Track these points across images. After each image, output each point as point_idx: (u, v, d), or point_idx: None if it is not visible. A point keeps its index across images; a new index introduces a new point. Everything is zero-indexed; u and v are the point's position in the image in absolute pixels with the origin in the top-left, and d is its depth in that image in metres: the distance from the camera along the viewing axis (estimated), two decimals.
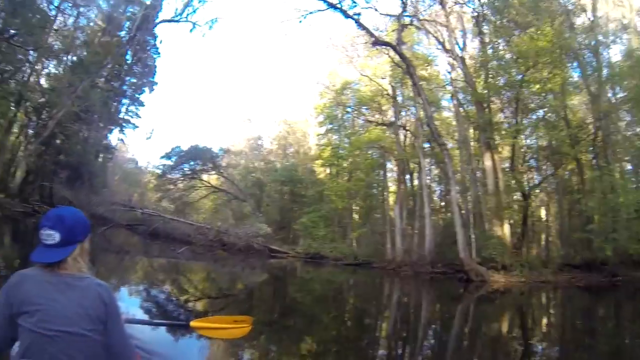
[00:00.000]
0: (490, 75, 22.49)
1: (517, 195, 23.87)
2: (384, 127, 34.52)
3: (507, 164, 24.68)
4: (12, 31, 22.70)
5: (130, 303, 8.34)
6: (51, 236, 1.89)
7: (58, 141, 29.36)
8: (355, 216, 39.68)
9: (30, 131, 27.49)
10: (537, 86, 21.18)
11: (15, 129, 28.29)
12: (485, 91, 22.61)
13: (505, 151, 25.08)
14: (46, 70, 30.53)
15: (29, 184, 26.80)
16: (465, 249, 20.58)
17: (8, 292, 1.87)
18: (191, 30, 34.63)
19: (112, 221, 27.65)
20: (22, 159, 25.67)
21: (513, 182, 22.92)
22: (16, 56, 23.66)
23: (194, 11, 34.32)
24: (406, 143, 32.98)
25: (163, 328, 6.16)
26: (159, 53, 42.03)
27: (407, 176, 33.76)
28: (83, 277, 1.95)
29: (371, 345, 7.92)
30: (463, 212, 23.83)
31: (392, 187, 36.39)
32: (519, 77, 20.50)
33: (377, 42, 24.80)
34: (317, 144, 44.75)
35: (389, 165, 37.00)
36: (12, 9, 22.06)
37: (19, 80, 25.86)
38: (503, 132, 23.19)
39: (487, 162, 21.80)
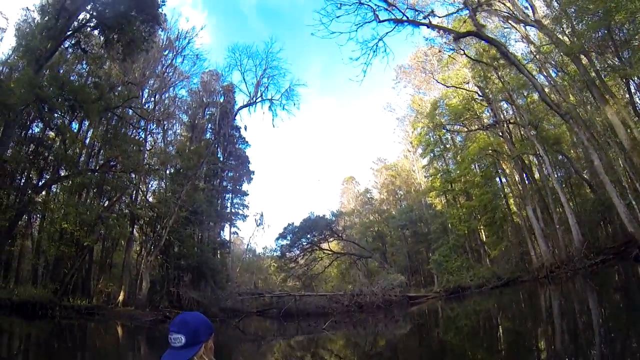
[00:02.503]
0: (575, 20, 19.20)
1: None
2: (488, 130, 31.60)
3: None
4: (112, 163, 25.09)
5: None
6: (178, 339, 2.19)
7: (176, 249, 30.80)
8: (484, 236, 36.19)
9: (148, 245, 29.03)
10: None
11: (136, 247, 30.41)
12: (576, 42, 19.28)
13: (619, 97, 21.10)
14: (151, 187, 33.03)
15: (156, 293, 27.85)
16: (632, 220, 16.98)
17: None
18: (270, 109, 35.56)
19: (243, 311, 27.72)
20: (145, 270, 27.03)
21: None
22: (121, 182, 25.82)
23: (267, 89, 35.43)
24: (513, 140, 29.84)
25: None
26: (247, 143, 44.36)
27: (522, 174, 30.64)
28: None
29: None
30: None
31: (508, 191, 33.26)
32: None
33: (459, 36, 23.06)
34: (425, 176, 42.80)
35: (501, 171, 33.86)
36: (108, 143, 24.76)
37: (129, 202, 28.13)
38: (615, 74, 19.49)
39: (611, 117, 18.11)
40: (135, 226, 29.30)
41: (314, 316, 27.21)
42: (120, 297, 25.48)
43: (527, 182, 29.36)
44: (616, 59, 19.08)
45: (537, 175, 29.88)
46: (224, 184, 42.39)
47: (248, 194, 44.73)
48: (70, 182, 24.23)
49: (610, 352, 6.07)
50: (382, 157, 54.27)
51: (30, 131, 23.16)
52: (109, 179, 25.79)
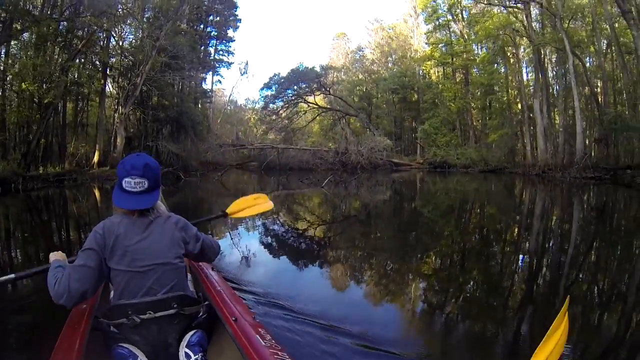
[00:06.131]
0: None
1: None
2: (513, 7, 28.67)
3: None
4: (79, 8, 22.18)
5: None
6: (140, 183, 2.02)
7: (154, 99, 29.24)
8: (474, 120, 36.06)
9: (123, 97, 26.71)
10: None
11: (112, 104, 28.58)
12: None
13: None
14: (127, 37, 28.98)
15: (133, 149, 26.21)
16: None
17: (97, 239, 1.96)
18: None
19: (223, 164, 27.68)
20: (120, 125, 25.63)
21: None
22: (91, 29, 22.92)
23: None
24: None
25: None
26: None
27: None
28: (162, 215, 2.12)
29: (498, 259, 6.34)
30: None
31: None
32: None
33: None
34: (425, 44, 41.14)
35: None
36: None
37: (99, 51, 25.13)
38: None
39: None
40: (109, 80, 27.05)
41: (296, 171, 27.54)
42: (95, 158, 24.16)
43: (540, 75, 27.99)
44: None
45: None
46: (208, 29, 39.83)
47: (234, 40, 42.86)
48: (28, 36, 21.08)
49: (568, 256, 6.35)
50: (379, 18, 51.58)
51: None
52: (76, 29, 22.74)
